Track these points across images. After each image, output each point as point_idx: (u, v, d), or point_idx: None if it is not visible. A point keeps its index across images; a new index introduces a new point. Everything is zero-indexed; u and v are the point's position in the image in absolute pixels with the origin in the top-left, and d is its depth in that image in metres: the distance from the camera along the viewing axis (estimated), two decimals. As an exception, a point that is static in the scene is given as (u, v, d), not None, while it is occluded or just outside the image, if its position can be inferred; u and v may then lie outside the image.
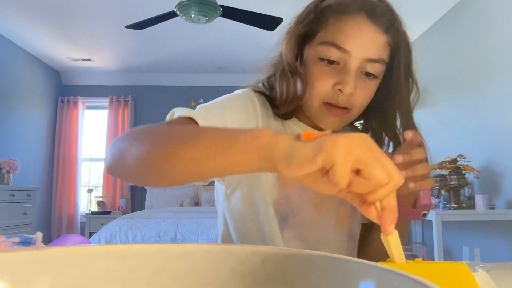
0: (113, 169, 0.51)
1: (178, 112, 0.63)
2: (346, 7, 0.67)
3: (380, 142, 0.79)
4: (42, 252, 0.25)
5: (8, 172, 3.64)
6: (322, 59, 0.68)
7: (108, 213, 4.64)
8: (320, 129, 0.75)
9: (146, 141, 0.48)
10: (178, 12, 2.71)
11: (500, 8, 2.73)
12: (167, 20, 2.94)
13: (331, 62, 0.68)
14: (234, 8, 2.85)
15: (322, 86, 0.68)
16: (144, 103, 5.27)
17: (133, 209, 4.98)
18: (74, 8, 3.44)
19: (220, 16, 2.83)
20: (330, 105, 0.69)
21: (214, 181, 0.75)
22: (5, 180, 3.65)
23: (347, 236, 0.78)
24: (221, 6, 2.77)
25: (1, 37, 3.96)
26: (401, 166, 0.59)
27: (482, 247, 2.88)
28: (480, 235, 2.92)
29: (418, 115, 0.80)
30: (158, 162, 0.44)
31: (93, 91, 5.26)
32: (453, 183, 2.75)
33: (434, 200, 2.90)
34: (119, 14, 3.55)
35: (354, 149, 0.35)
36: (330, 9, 0.69)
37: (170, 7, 2.88)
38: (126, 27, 3.08)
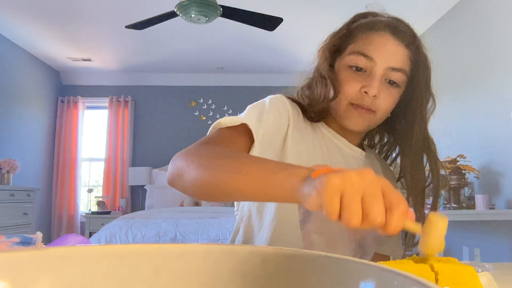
0: (173, 184, 0.62)
1: (227, 121, 0.71)
2: (373, 25, 0.79)
3: (391, 152, 0.93)
4: (42, 252, 0.25)
5: (8, 172, 3.64)
6: (350, 67, 0.79)
7: (108, 213, 4.64)
8: (347, 131, 0.84)
9: (201, 167, 0.57)
10: (178, 12, 2.71)
11: (500, 8, 2.73)
12: (167, 20, 2.94)
13: (358, 69, 0.78)
14: (234, 8, 2.85)
15: (350, 88, 0.78)
16: (144, 103, 5.27)
17: (133, 209, 4.98)
18: (74, 8, 3.44)
19: (220, 16, 2.83)
20: (356, 105, 0.78)
21: None
22: (5, 180, 3.65)
23: (356, 243, 0.78)
24: (221, 6, 2.77)
25: (1, 37, 3.96)
26: None
27: (482, 247, 2.88)
28: (480, 235, 2.92)
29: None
30: (210, 189, 0.56)
31: (93, 91, 5.26)
32: (453, 183, 2.75)
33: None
34: (119, 14, 3.55)
35: (346, 187, 0.38)
36: (360, 26, 0.81)
37: (170, 7, 2.88)
38: (126, 27, 3.08)
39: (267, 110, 0.76)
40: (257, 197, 0.53)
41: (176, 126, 5.22)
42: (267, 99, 0.81)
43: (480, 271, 0.40)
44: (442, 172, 0.84)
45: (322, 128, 0.87)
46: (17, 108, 4.22)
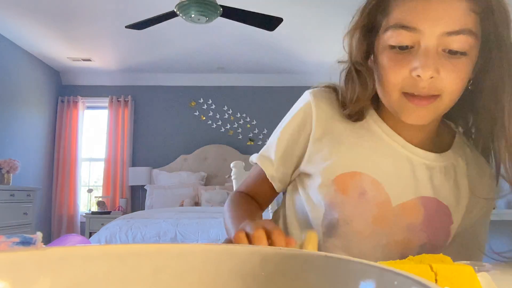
0: None
1: (255, 157, 0.82)
2: None
3: (488, 151, 0.70)
4: (42, 252, 0.25)
5: (8, 172, 3.64)
6: (392, 47, 0.59)
7: (108, 213, 4.64)
8: (406, 126, 0.66)
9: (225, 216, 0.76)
10: (178, 12, 2.71)
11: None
12: (167, 20, 2.94)
13: (402, 48, 0.58)
14: (234, 8, 2.85)
15: (397, 74, 0.59)
16: (144, 103, 5.27)
17: (133, 209, 4.98)
18: (74, 8, 3.44)
19: (220, 16, 2.83)
20: (411, 96, 0.59)
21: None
22: (5, 180, 3.65)
23: None
24: (221, 6, 2.77)
25: (1, 37, 3.96)
26: None
27: (482, 247, 2.88)
28: (480, 235, 2.92)
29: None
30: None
31: (93, 91, 5.26)
32: None
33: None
34: (119, 14, 3.55)
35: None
36: None
37: (170, 7, 2.88)
38: (126, 27, 3.08)
39: (283, 131, 0.77)
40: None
41: (176, 126, 5.22)
42: (292, 109, 0.78)
43: (479, 271, 0.40)
44: None
45: (373, 124, 0.70)
46: (17, 108, 4.22)
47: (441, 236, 0.70)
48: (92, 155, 5.37)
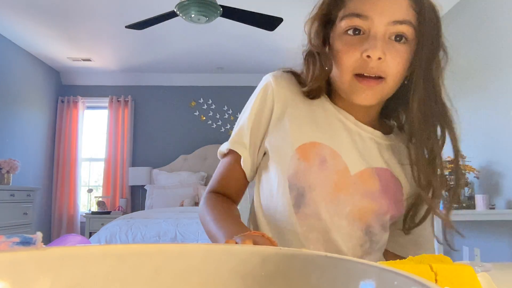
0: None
1: (225, 146, 0.83)
2: None
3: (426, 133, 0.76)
4: (42, 252, 0.25)
5: (8, 172, 3.65)
6: (346, 32, 0.69)
7: (108, 213, 4.64)
8: (355, 108, 0.76)
9: (204, 221, 0.77)
10: (178, 12, 2.71)
11: (501, 8, 2.73)
12: (167, 20, 2.94)
13: (356, 32, 0.68)
14: (234, 8, 2.85)
15: (350, 57, 0.68)
16: (144, 103, 5.27)
17: (133, 209, 4.98)
18: (74, 8, 3.44)
19: (220, 16, 2.83)
20: (361, 77, 0.69)
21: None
22: (5, 180, 3.65)
23: (362, 231, 0.75)
24: (221, 6, 2.77)
25: (1, 37, 3.96)
26: None
27: (482, 247, 2.88)
28: (480, 235, 2.92)
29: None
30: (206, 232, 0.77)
31: (93, 91, 5.26)
32: (453, 183, 2.75)
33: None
34: (119, 14, 3.55)
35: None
36: None
37: (170, 7, 2.88)
38: (126, 27, 3.08)
39: (247, 115, 0.80)
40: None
41: (176, 126, 5.22)
42: (254, 93, 0.82)
43: (479, 271, 0.40)
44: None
45: (327, 104, 0.78)
46: (17, 108, 4.22)
47: (399, 206, 0.77)
48: (92, 155, 5.37)
